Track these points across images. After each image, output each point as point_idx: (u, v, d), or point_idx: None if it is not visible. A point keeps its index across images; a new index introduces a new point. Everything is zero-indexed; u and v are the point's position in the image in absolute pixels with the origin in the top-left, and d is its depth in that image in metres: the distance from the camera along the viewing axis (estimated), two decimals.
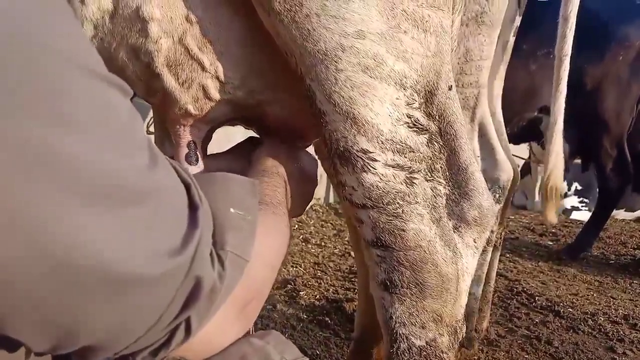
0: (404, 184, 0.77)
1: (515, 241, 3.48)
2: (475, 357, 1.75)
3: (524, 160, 4.51)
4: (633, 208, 4.62)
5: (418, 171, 0.78)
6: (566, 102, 1.72)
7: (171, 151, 0.89)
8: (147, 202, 0.42)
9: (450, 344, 0.84)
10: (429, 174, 0.79)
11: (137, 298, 0.43)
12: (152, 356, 0.48)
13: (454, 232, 0.83)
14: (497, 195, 1.37)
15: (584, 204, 4.89)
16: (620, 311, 2.25)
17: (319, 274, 2.52)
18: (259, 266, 0.59)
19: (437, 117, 0.79)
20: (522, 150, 4.26)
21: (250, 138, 0.98)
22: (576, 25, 1.61)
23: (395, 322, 0.81)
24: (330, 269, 2.60)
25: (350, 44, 0.70)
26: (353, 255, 2.47)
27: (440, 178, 0.81)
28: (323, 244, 3.07)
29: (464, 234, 0.83)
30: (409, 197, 0.77)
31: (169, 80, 0.79)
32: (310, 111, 0.76)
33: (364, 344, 1.50)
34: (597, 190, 3.30)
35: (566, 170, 1.94)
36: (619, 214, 4.43)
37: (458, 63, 1.11)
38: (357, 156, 0.75)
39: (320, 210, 3.91)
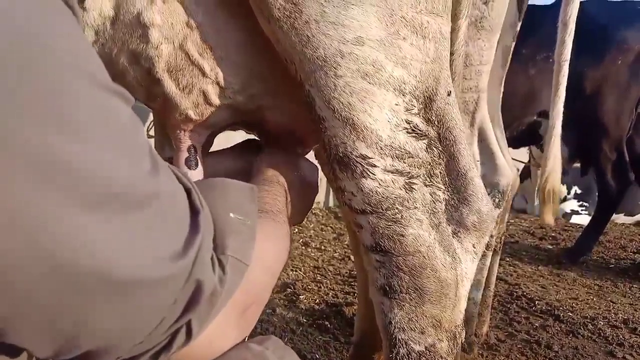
0: (403, 189, 0.77)
1: (515, 245, 3.48)
2: None
3: (523, 164, 4.53)
4: (633, 212, 4.63)
5: (417, 177, 0.78)
6: (565, 106, 1.73)
7: (171, 155, 0.89)
8: (149, 206, 0.42)
9: (449, 350, 0.84)
10: (428, 179, 0.79)
11: (138, 301, 0.43)
12: (153, 359, 0.48)
13: (453, 237, 0.83)
14: (497, 200, 1.38)
15: (583, 208, 4.90)
16: (620, 315, 2.25)
17: (318, 278, 2.52)
18: (259, 271, 0.59)
19: (436, 122, 0.79)
20: (522, 154, 4.28)
21: (251, 139, 0.99)
22: (575, 28, 1.62)
23: (395, 327, 0.81)
24: (330, 273, 2.60)
25: (350, 50, 0.71)
26: (353, 259, 2.47)
27: (440, 183, 0.81)
28: (323, 247, 3.07)
29: (463, 239, 0.84)
30: (408, 202, 0.77)
31: (170, 86, 0.79)
32: (310, 117, 0.76)
33: (363, 348, 1.50)
34: (597, 194, 3.30)
35: (565, 174, 1.94)
36: (619, 217, 4.44)
37: None
38: (357, 162, 0.75)
39: (320, 214, 3.91)
